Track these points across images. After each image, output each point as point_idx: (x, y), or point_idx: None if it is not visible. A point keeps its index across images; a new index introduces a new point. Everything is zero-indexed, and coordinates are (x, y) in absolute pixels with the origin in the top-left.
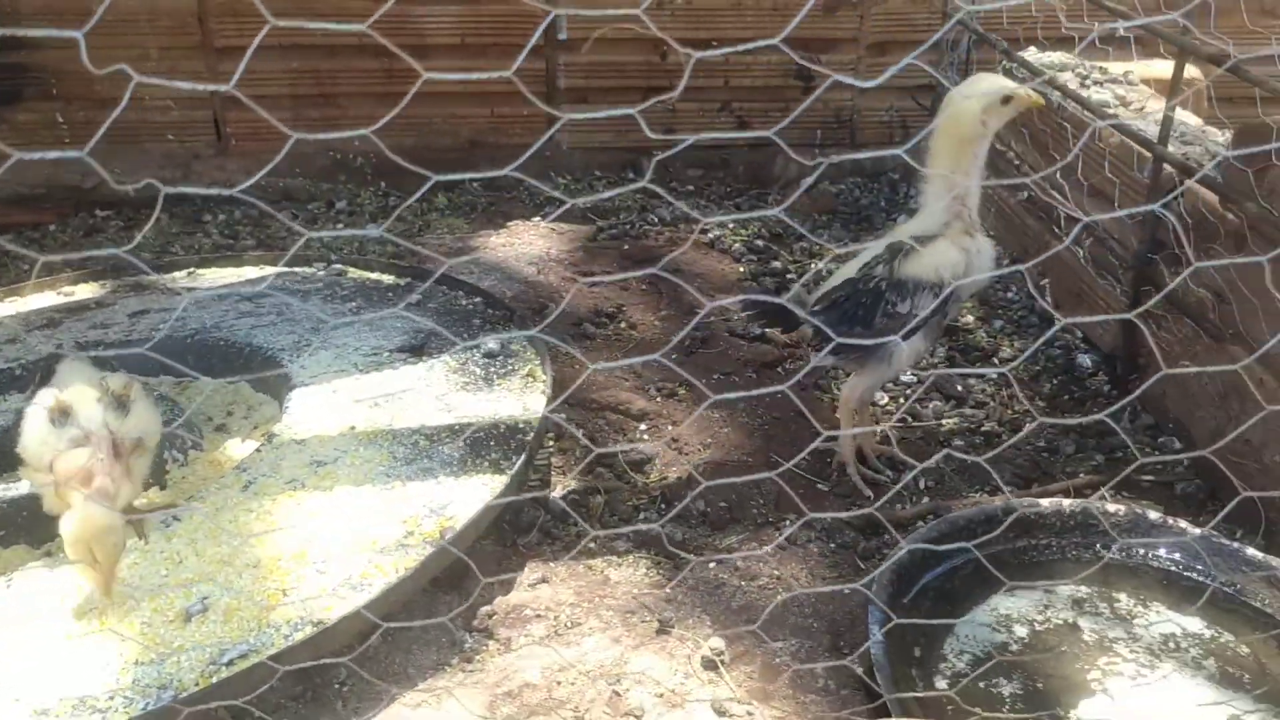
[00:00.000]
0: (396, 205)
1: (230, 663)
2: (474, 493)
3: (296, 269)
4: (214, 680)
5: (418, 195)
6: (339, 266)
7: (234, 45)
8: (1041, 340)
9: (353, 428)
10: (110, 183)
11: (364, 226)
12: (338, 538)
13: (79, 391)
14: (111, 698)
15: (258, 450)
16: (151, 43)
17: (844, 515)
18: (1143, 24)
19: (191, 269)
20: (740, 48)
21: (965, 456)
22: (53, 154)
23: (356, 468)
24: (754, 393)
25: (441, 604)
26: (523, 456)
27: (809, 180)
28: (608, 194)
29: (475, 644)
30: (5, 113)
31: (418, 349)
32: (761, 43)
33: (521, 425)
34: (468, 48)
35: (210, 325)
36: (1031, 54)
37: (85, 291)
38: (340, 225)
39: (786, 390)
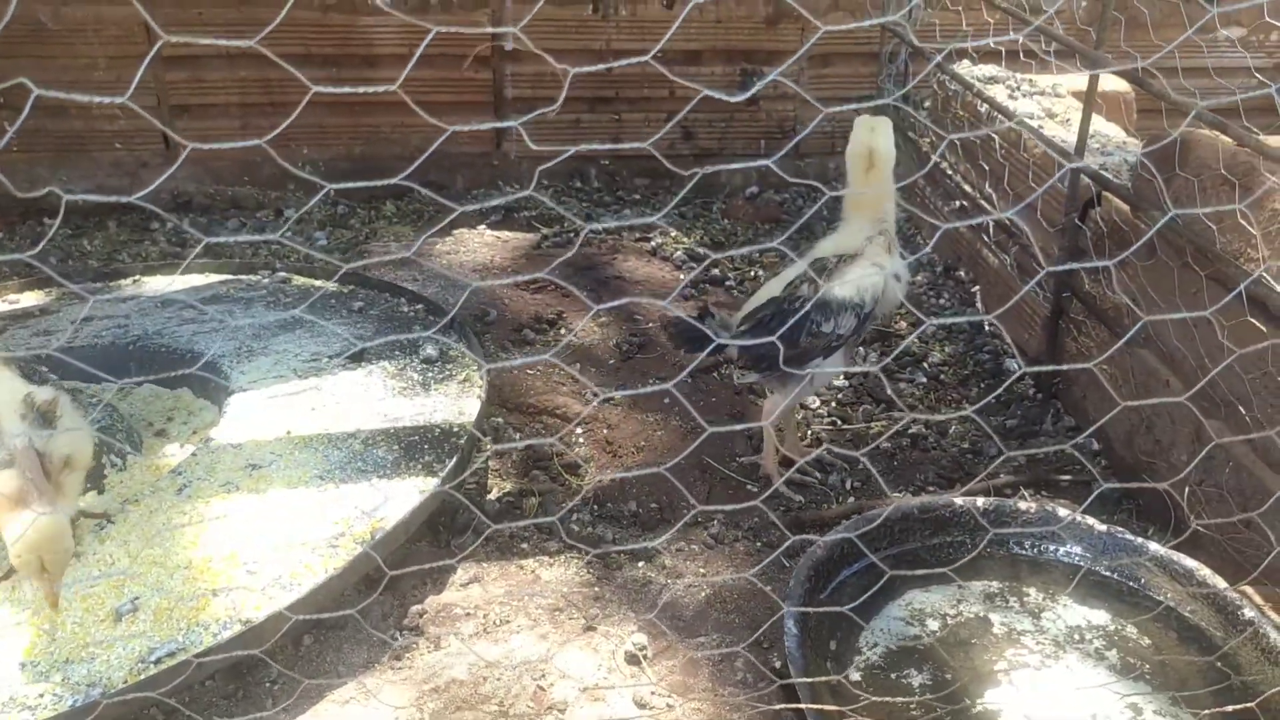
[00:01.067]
0: (345, 214)
1: (158, 661)
2: (406, 495)
3: (241, 276)
4: (141, 677)
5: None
6: (284, 274)
7: (181, 55)
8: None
9: (289, 432)
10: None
11: (312, 234)
12: (269, 539)
13: (1, 407)
14: (41, 695)
15: (193, 454)
16: (99, 51)
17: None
18: (1058, 37)
19: (137, 276)
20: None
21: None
22: None
23: (291, 471)
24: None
25: (374, 604)
26: (455, 458)
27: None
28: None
29: (405, 642)
30: None
31: (357, 355)
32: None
33: (456, 429)
34: (418, 56)
35: (153, 332)
36: (964, 67)
37: (30, 299)
38: (288, 232)
39: (671, 389)
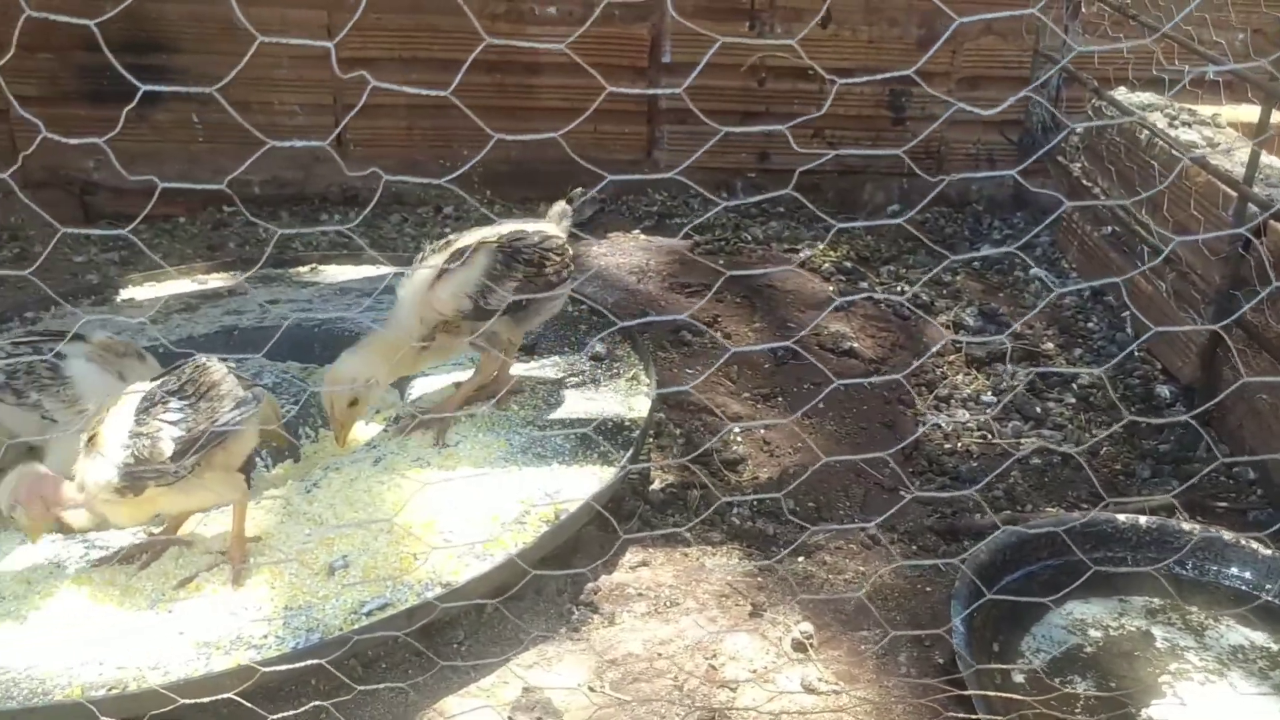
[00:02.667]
0: (502, 214)
1: (369, 613)
2: (584, 481)
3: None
4: (355, 626)
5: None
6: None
7: (358, 57)
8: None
9: (471, 415)
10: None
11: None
12: (462, 512)
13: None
14: (265, 636)
15: (384, 431)
16: (282, 50)
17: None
18: (1232, 69)
19: (314, 265)
20: None
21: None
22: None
23: (477, 451)
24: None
25: (550, 579)
26: (629, 451)
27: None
28: None
29: (581, 616)
30: (146, 112)
31: (529, 348)
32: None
33: (627, 423)
34: (577, 66)
35: (335, 316)
36: (1121, 94)
37: (218, 280)
38: (448, 229)
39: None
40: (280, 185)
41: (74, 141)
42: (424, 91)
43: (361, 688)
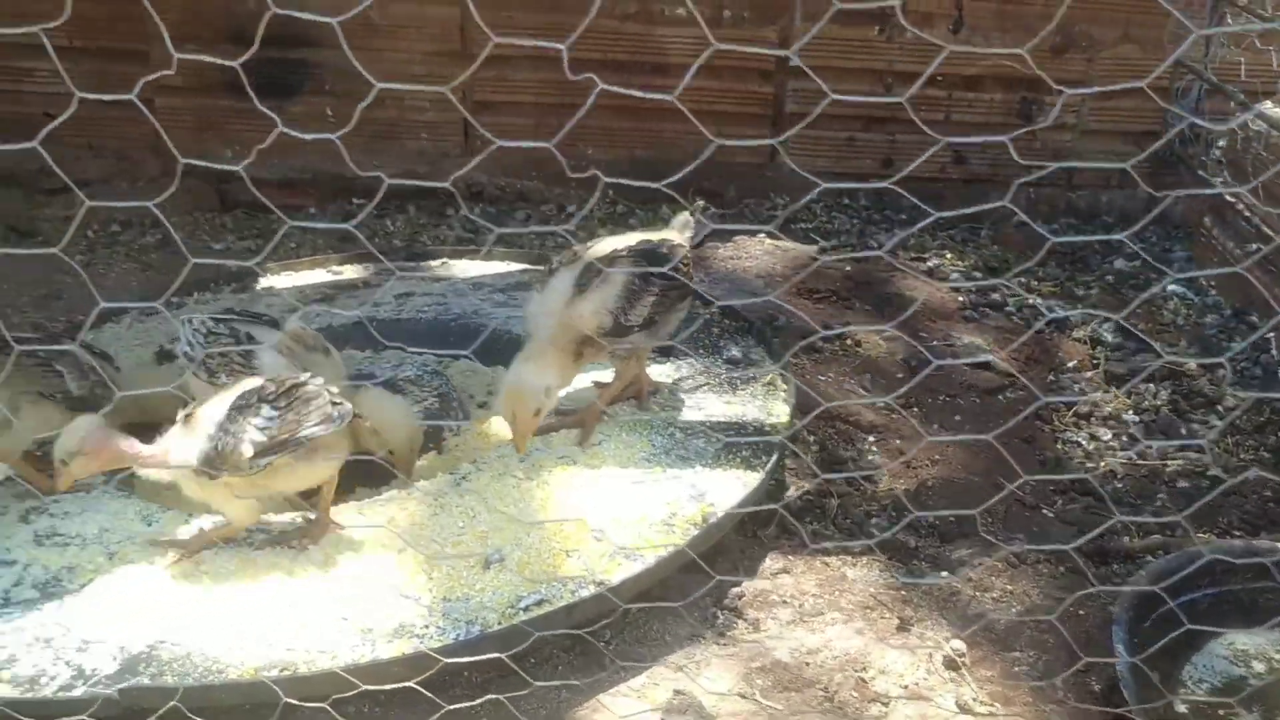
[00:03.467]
0: (625, 213)
1: (527, 608)
2: (728, 484)
3: (539, 266)
4: (515, 620)
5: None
6: None
7: (490, 54)
8: None
9: (614, 415)
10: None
11: (594, 231)
12: (610, 511)
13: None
14: (426, 626)
15: None
16: (418, 48)
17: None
18: None
19: (444, 259)
20: None
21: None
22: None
23: (621, 451)
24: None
25: (692, 582)
26: (774, 457)
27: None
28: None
29: (726, 621)
30: (284, 104)
31: (664, 350)
32: None
33: (767, 428)
34: (704, 68)
35: (470, 311)
36: (1268, 107)
37: (351, 272)
38: (572, 227)
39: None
40: (408, 179)
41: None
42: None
43: (538, 683)
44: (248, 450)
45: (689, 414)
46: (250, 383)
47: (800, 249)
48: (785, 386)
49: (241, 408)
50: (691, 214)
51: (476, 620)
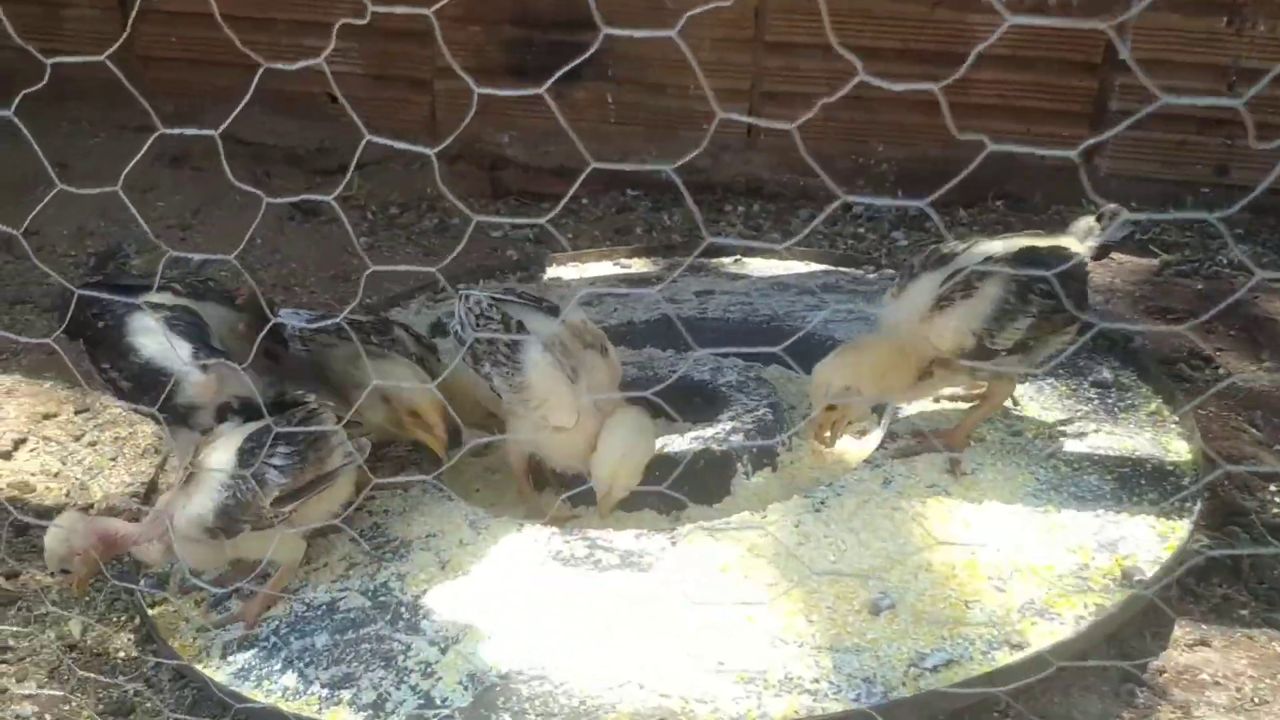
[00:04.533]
0: (918, 215)
1: (934, 669)
2: (1141, 535)
3: (842, 268)
4: (921, 685)
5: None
6: (891, 272)
7: (783, 41)
8: None
9: (983, 438)
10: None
11: (884, 233)
12: (1005, 554)
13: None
14: (816, 680)
15: (881, 448)
16: (707, 34)
17: None
18: None
19: (737, 256)
20: None
21: None
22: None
23: (1000, 484)
24: None
25: (1103, 651)
26: (1198, 504)
27: None
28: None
29: (1148, 702)
30: (565, 89)
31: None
32: None
33: (1169, 466)
34: (1015, 59)
35: (782, 313)
36: None
37: (640, 265)
38: (861, 228)
39: None
40: (687, 172)
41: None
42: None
43: None
44: (272, 492)
45: (1070, 445)
46: (249, 427)
47: (1139, 262)
48: (1175, 418)
49: (253, 449)
50: (1099, 219)
51: (876, 678)
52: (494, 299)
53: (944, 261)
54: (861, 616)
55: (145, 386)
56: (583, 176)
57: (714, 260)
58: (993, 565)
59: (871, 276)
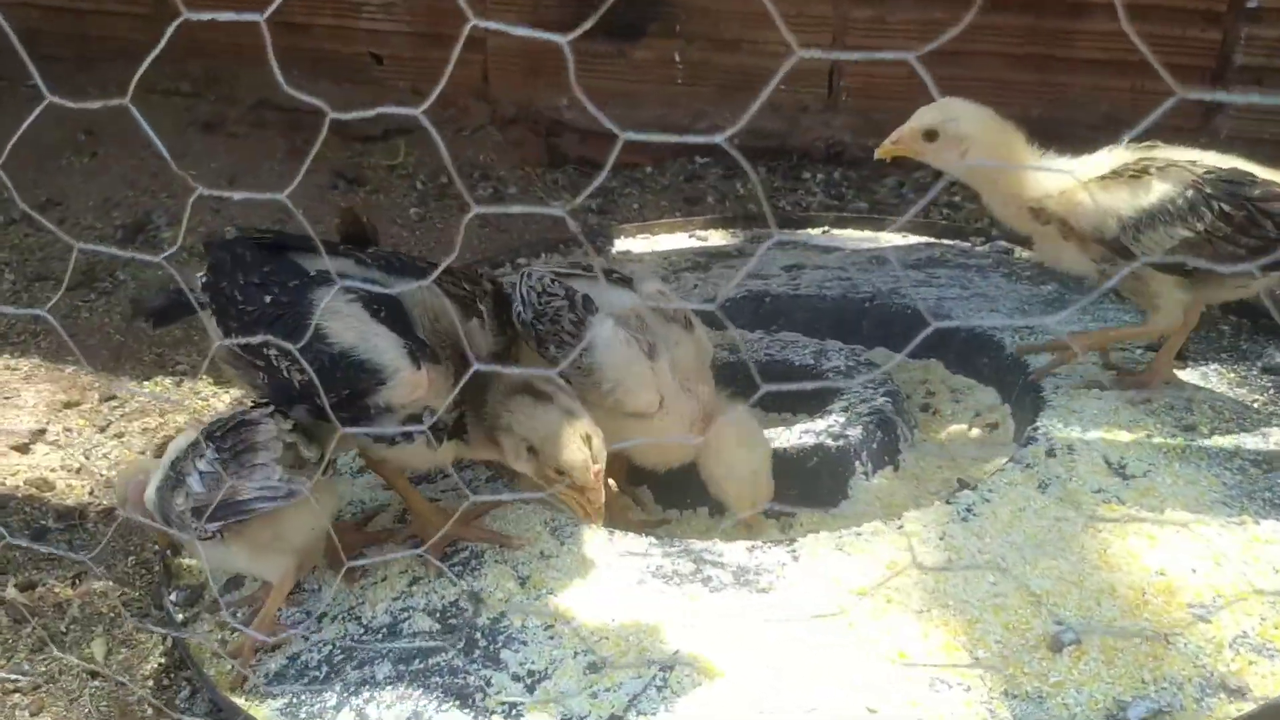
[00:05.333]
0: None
1: None
2: None
3: (946, 240)
4: None
5: None
6: (1003, 244)
7: None
8: None
9: (1149, 436)
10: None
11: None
12: (1203, 576)
13: None
14: None
15: (1030, 444)
16: None
17: None
18: None
19: (826, 228)
20: None
21: None
22: None
23: (1179, 489)
24: None
25: None
26: None
27: None
28: None
29: None
30: (626, 47)
31: (1177, 354)
32: None
33: None
34: (1127, 8)
35: (887, 291)
36: None
37: (717, 238)
38: (956, 197)
39: None
40: (761, 136)
41: None
42: None
43: None
44: (183, 502)
45: (1252, 442)
46: (216, 417)
47: None
48: None
49: (191, 446)
50: None
51: None
52: (556, 274)
53: (1150, 149)
54: (1039, 653)
55: (335, 383)
56: (617, 147)
57: (800, 232)
58: (1191, 589)
59: (981, 249)
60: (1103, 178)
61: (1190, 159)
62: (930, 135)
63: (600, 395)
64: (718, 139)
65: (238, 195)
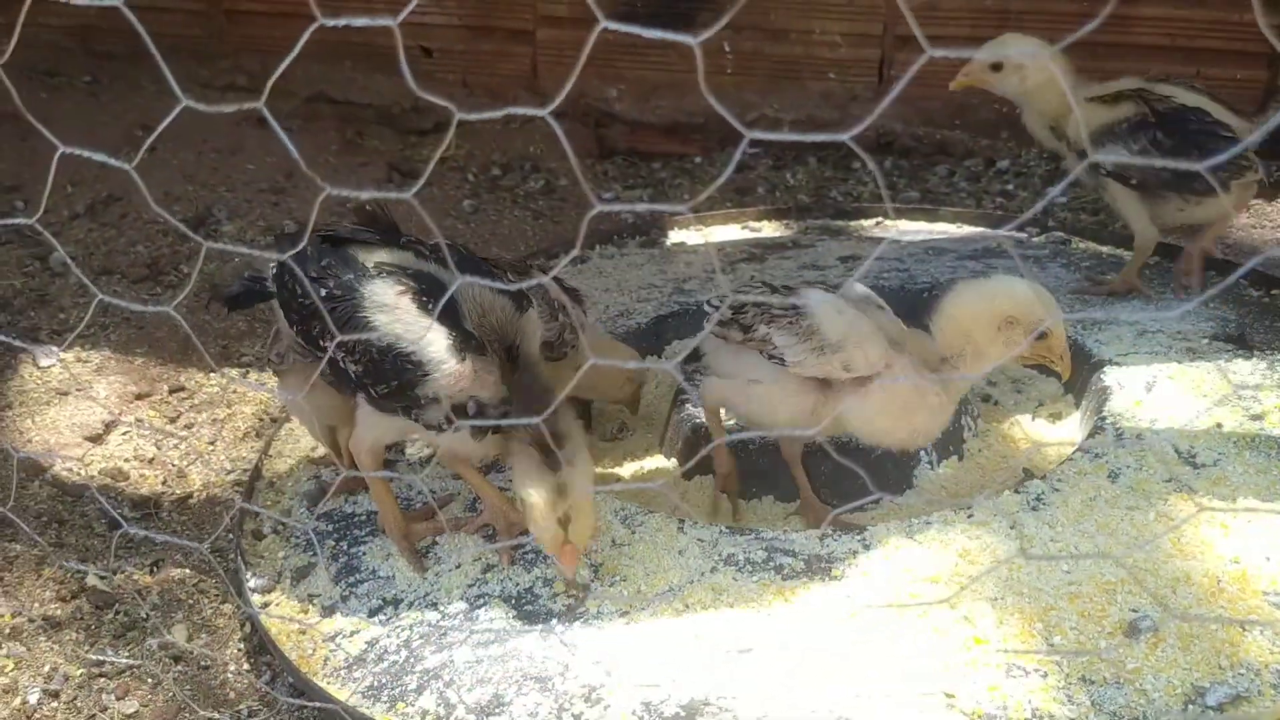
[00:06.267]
0: (1068, 171)
1: (1219, 707)
2: None
3: (998, 231)
4: None
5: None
6: (1060, 234)
7: None
8: None
9: (1219, 425)
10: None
11: (1040, 190)
12: (1276, 564)
13: None
14: (1072, 716)
15: (1097, 433)
16: None
17: None
18: None
19: (879, 218)
20: None
21: None
22: None
23: (1251, 478)
24: None
25: None
26: None
27: None
28: None
29: None
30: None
31: (1237, 338)
32: None
33: None
34: None
35: (944, 280)
36: None
37: (771, 229)
38: (1009, 185)
39: None
40: (812, 126)
41: None
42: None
43: None
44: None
45: None
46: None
47: None
48: None
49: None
50: None
51: (1142, 717)
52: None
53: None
54: (1116, 640)
55: (384, 374)
56: (743, 145)
57: (853, 223)
58: (1265, 577)
59: (1037, 240)
60: (1100, 97)
61: (1176, 96)
62: (996, 66)
63: (826, 357)
64: (843, 137)
65: (364, 194)
